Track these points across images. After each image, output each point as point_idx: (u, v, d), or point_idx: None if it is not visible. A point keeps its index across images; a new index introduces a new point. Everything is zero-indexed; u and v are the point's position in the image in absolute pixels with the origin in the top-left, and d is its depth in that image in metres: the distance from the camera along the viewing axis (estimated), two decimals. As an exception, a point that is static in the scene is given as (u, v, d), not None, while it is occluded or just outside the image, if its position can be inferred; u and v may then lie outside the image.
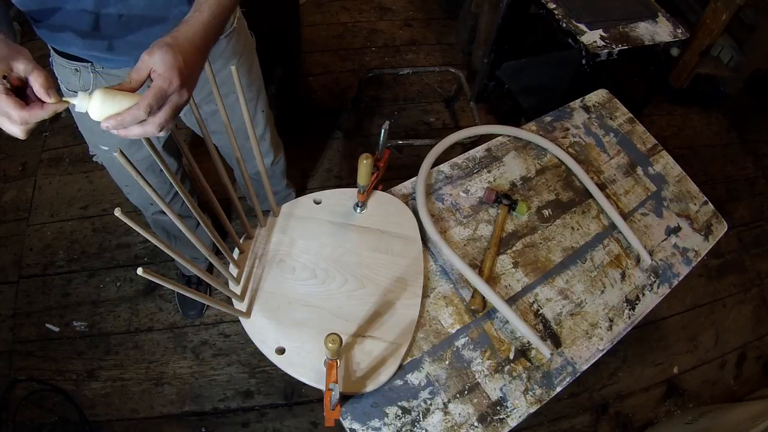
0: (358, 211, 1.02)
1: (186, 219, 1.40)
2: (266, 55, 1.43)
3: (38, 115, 0.58)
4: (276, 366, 0.86)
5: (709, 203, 1.21)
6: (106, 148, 1.08)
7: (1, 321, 1.71)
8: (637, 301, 1.05)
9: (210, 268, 1.77)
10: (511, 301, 1.00)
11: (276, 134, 1.41)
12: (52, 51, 0.91)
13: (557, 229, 1.10)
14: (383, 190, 1.07)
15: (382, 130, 0.93)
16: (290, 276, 0.94)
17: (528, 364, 0.94)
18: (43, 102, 0.60)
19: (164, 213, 0.70)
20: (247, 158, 0.87)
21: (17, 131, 0.59)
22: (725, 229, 1.18)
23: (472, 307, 0.96)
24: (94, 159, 2.05)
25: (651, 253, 1.10)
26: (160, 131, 0.62)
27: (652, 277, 1.08)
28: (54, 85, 0.61)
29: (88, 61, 0.91)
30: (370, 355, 0.88)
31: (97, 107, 0.61)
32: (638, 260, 1.09)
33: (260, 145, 0.90)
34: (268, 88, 1.30)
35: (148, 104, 0.60)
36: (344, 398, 0.86)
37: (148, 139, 0.66)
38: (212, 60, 1.02)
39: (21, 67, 0.58)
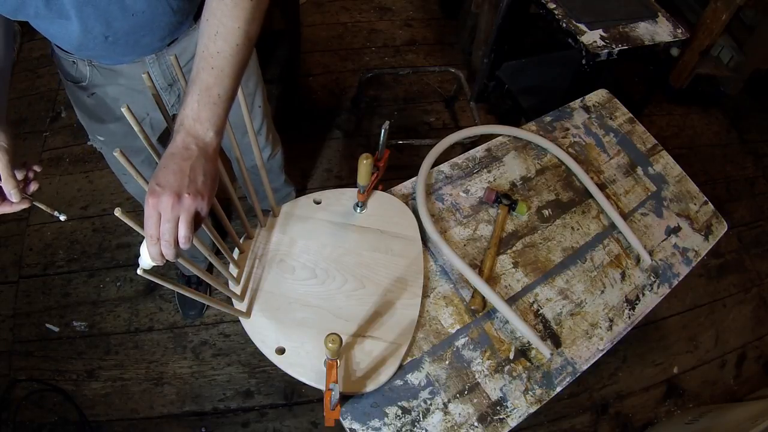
0: (358, 211, 1.02)
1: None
2: (266, 55, 1.42)
3: (3, 210, 0.72)
4: (276, 366, 0.86)
5: (709, 203, 1.21)
6: (103, 139, 1.08)
7: (1, 321, 1.71)
8: (637, 301, 1.05)
9: (210, 268, 1.76)
10: (511, 301, 1.00)
11: (273, 129, 1.41)
12: (51, 42, 0.92)
13: (557, 229, 1.10)
14: (383, 190, 1.07)
15: (382, 130, 0.93)
16: (290, 276, 0.94)
17: (528, 364, 0.94)
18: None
19: None
20: (244, 152, 0.88)
21: None
22: (725, 229, 1.18)
23: (472, 307, 0.96)
24: (89, 144, 2.06)
25: (651, 253, 1.10)
26: (179, 244, 0.64)
27: (652, 277, 1.08)
28: (18, 186, 0.72)
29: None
30: (370, 355, 0.88)
31: (146, 259, 0.66)
32: (638, 260, 1.09)
33: (257, 139, 0.90)
34: (268, 88, 1.30)
35: (147, 234, 0.63)
36: (344, 398, 0.86)
37: (143, 131, 0.66)
38: None
39: None
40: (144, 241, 0.64)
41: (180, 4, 0.85)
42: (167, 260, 0.65)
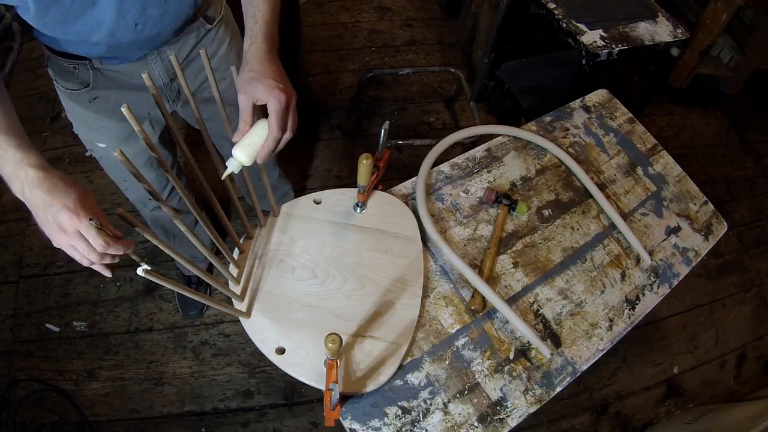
0: (358, 211, 1.02)
1: (185, 215, 1.40)
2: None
3: (119, 248, 0.63)
4: (276, 366, 0.86)
5: (709, 203, 1.21)
6: (104, 146, 1.08)
7: (1, 321, 1.71)
8: (637, 301, 1.05)
9: (210, 268, 1.76)
10: (511, 301, 1.00)
11: None
12: (47, 51, 0.91)
13: (557, 229, 1.10)
14: (383, 190, 1.07)
15: (382, 130, 0.93)
16: (290, 276, 0.94)
17: (528, 364, 0.94)
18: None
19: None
20: None
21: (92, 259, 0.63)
22: (725, 229, 1.18)
23: (472, 307, 0.96)
24: (88, 154, 2.05)
25: (651, 253, 1.10)
26: (295, 131, 0.80)
27: (652, 277, 1.08)
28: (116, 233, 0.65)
29: (86, 59, 0.91)
30: (370, 355, 0.88)
31: (245, 157, 0.77)
32: (638, 260, 1.09)
33: None
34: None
35: (279, 125, 0.76)
36: (344, 398, 0.86)
37: (143, 132, 0.66)
38: (206, 46, 1.03)
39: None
40: (240, 144, 0.76)
41: None
42: (261, 160, 0.78)
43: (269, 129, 0.76)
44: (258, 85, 0.75)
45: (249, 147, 0.77)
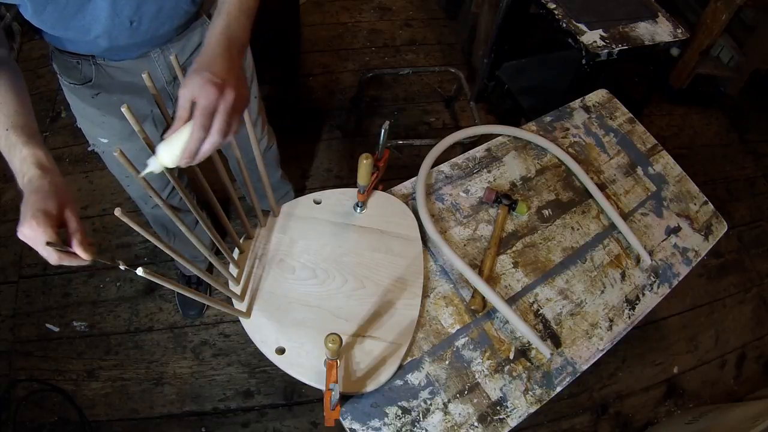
0: (358, 211, 1.02)
1: (185, 214, 1.40)
2: (266, 55, 1.42)
3: (73, 261, 0.64)
4: (276, 366, 0.86)
5: (709, 203, 1.21)
6: (106, 141, 1.08)
7: (1, 321, 1.71)
8: (637, 301, 1.05)
9: (210, 268, 1.76)
10: (511, 301, 1.00)
11: (267, 121, 1.41)
12: (51, 46, 0.92)
13: (557, 229, 1.10)
14: (383, 190, 1.07)
15: (382, 130, 0.93)
16: (290, 276, 0.94)
17: (528, 364, 0.94)
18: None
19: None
20: (242, 145, 0.88)
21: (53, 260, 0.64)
22: (725, 229, 1.18)
23: (472, 307, 0.96)
24: (90, 149, 2.05)
25: (651, 253, 1.10)
26: (226, 136, 0.68)
27: (652, 277, 1.08)
28: (87, 241, 0.65)
29: (89, 55, 0.91)
30: (370, 355, 0.88)
31: (167, 157, 0.67)
32: (638, 260, 1.09)
33: (254, 130, 0.92)
34: (263, 88, 1.30)
35: (201, 124, 0.65)
36: (344, 398, 0.86)
37: (143, 131, 0.66)
38: None
39: (69, 222, 0.65)
40: (166, 141, 0.67)
41: None
42: (184, 163, 0.68)
43: (193, 127, 0.66)
44: (195, 77, 0.67)
45: (172, 147, 0.67)
